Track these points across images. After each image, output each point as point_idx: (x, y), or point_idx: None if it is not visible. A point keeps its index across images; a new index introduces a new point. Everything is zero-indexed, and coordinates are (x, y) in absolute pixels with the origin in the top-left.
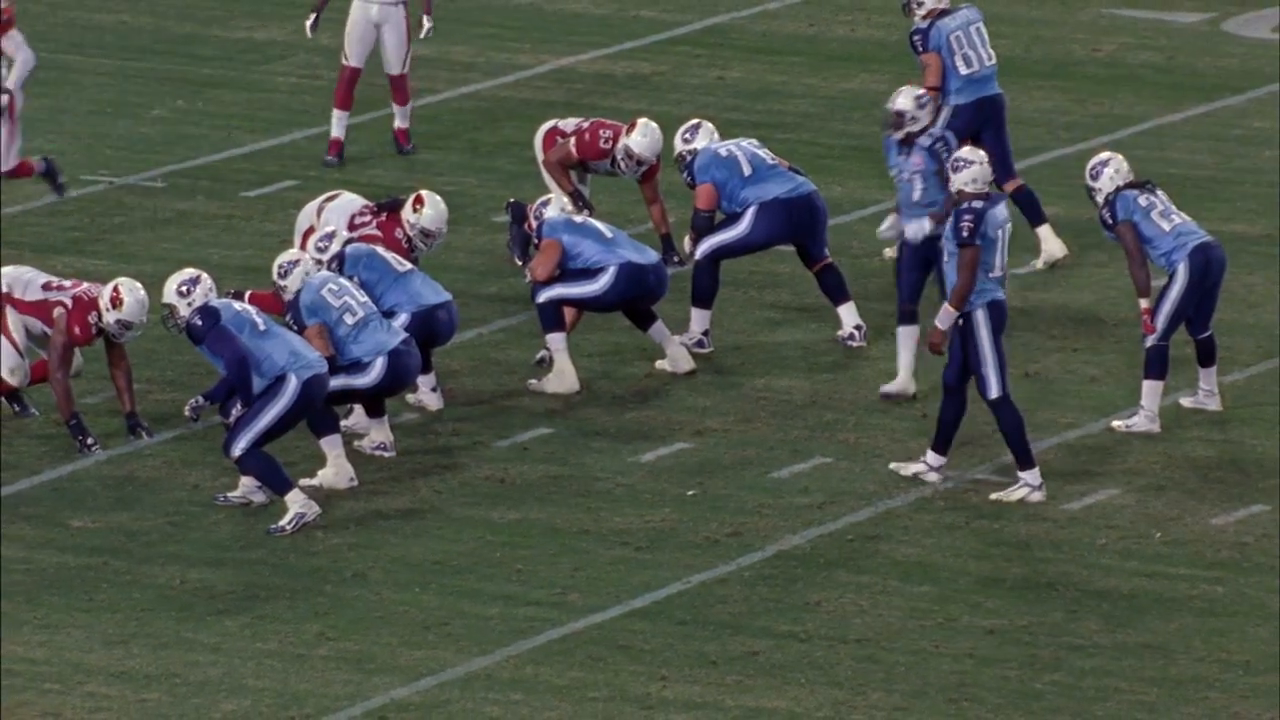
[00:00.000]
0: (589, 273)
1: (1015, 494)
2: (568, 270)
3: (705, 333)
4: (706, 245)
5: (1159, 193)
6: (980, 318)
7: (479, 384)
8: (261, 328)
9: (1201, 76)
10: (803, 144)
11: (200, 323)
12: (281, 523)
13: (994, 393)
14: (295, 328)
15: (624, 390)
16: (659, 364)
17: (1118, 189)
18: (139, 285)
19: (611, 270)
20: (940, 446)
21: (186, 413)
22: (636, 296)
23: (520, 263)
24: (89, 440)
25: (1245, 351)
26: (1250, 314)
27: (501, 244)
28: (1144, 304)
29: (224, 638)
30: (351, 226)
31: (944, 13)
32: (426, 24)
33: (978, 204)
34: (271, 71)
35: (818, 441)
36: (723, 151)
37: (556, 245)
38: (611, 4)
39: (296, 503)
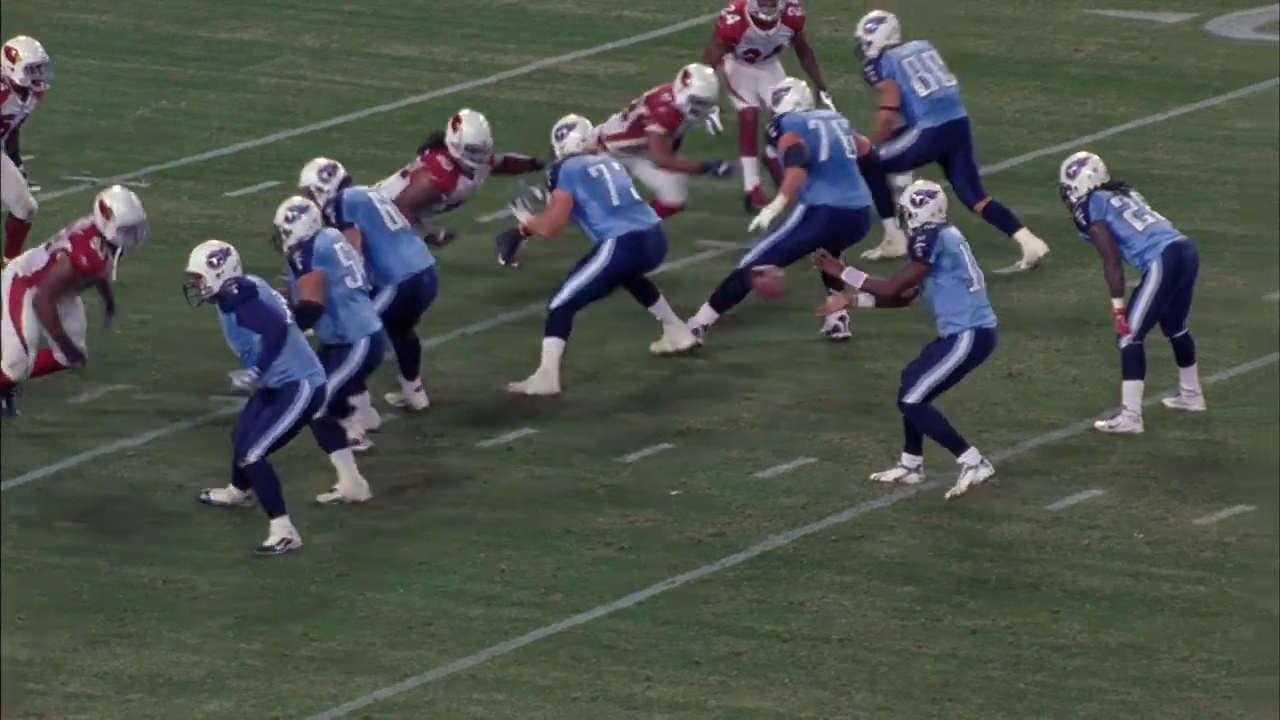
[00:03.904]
0: (589, 256)
1: (964, 482)
2: (575, 265)
3: (705, 328)
4: (757, 253)
5: (1132, 193)
6: (965, 342)
7: (464, 384)
8: (289, 320)
9: (1184, 77)
10: None
11: (237, 291)
12: (269, 543)
13: (912, 399)
14: (298, 269)
15: (608, 390)
16: (654, 346)
17: (1091, 190)
18: (119, 189)
19: (609, 243)
20: (913, 446)
21: (242, 383)
22: (638, 263)
23: (504, 262)
24: (78, 361)
25: (1227, 352)
26: (1232, 314)
27: (488, 243)
28: (1118, 304)
29: (207, 638)
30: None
31: (892, 47)
32: (825, 100)
33: (932, 224)
34: (255, 72)
35: (802, 442)
36: (811, 124)
37: (568, 199)
38: (595, 4)
39: (284, 529)
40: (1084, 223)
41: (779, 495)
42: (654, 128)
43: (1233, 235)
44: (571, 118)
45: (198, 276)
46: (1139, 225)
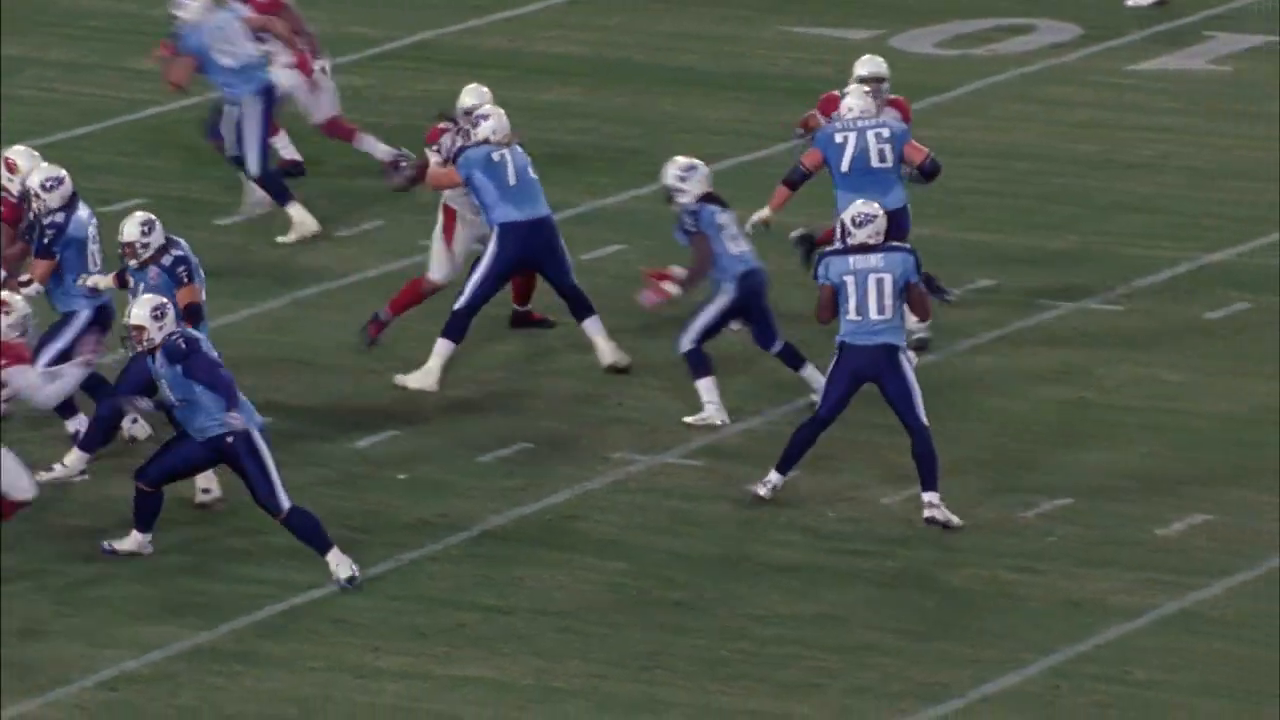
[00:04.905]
0: (481, 254)
1: (761, 490)
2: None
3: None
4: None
5: (730, 213)
6: (836, 357)
7: None
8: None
9: None
10: None
11: (184, 345)
12: (345, 575)
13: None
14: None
15: (339, 379)
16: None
17: (700, 197)
18: (20, 147)
19: (495, 233)
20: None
21: (148, 405)
22: (525, 253)
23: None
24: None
25: (932, 347)
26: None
27: (221, 245)
28: (672, 290)
29: None
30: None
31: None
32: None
33: (828, 250)
34: (11, 85)
35: (521, 427)
36: (838, 138)
37: (457, 177)
38: (324, 21)
39: (336, 561)
40: (690, 229)
41: (499, 478)
42: (814, 117)
43: (929, 236)
44: (488, 108)
45: (141, 329)
46: (734, 249)
